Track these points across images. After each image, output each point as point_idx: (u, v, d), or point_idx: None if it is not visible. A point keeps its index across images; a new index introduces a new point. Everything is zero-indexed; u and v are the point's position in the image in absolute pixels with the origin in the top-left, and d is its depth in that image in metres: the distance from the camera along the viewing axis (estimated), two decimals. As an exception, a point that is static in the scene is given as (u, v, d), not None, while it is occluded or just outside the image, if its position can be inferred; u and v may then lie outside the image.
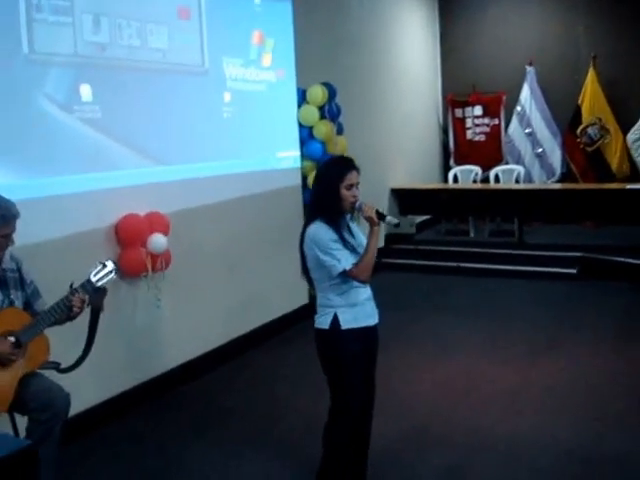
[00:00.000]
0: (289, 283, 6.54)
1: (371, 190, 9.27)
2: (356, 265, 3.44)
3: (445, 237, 11.05)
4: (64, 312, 3.52)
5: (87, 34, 4.93)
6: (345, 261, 3.43)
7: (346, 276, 3.45)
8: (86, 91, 4.92)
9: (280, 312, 7.00)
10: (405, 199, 10.55)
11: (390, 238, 10.16)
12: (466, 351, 6.33)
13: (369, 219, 3.47)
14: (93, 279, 3.60)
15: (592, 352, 6.15)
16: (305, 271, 3.65)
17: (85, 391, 4.84)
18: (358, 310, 3.56)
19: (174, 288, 5.62)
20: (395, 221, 3.52)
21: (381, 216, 3.46)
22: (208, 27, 6.02)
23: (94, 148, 5.01)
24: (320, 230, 3.47)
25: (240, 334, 6.50)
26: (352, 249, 3.50)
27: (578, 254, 9.08)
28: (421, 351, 6.40)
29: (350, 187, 3.47)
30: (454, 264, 9.51)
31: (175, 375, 5.73)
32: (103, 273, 3.65)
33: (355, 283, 3.53)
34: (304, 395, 5.35)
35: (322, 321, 3.57)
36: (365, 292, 3.62)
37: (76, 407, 4.64)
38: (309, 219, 3.58)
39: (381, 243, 9.83)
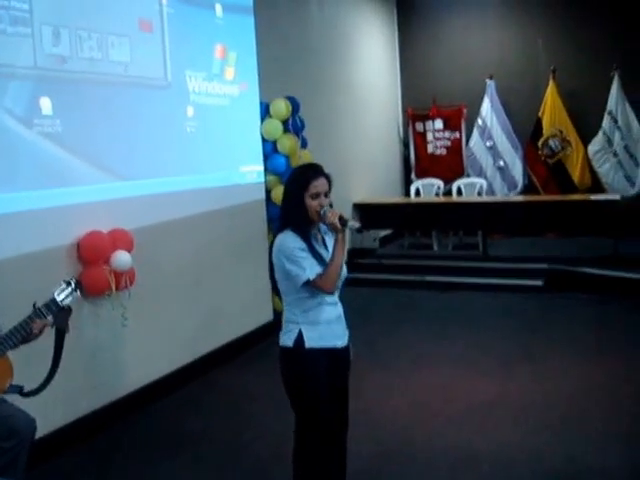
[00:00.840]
0: (254, 299, 6.46)
1: (334, 205, 9.22)
2: (320, 275, 3.26)
3: (409, 251, 10.99)
4: (24, 335, 3.36)
5: (47, 46, 4.78)
6: (310, 270, 3.26)
7: (311, 287, 3.28)
8: (46, 104, 4.77)
9: (246, 329, 6.87)
10: (368, 213, 10.46)
11: (353, 253, 10.06)
12: (438, 365, 6.25)
13: (332, 226, 3.29)
14: (57, 298, 3.46)
15: (566, 364, 6.09)
16: (274, 284, 3.47)
17: (50, 413, 4.69)
18: (324, 329, 3.37)
19: (139, 306, 5.46)
20: (357, 225, 3.36)
21: (344, 222, 3.28)
22: (170, 40, 5.91)
23: (55, 163, 4.85)
24: (287, 239, 3.31)
25: (206, 352, 6.36)
26: (321, 260, 3.31)
27: (544, 266, 9.07)
28: (391, 367, 6.30)
29: (316, 196, 3.30)
30: (419, 278, 9.43)
31: (141, 395, 5.57)
32: (67, 292, 3.50)
33: (324, 299, 3.37)
34: (273, 415, 5.19)
35: (286, 338, 3.39)
36: (334, 311, 3.45)
37: (40, 430, 4.49)
38: (278, 229, 3.42)
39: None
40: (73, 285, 3.54)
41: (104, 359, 5.27)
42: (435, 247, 10.94)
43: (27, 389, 3.60)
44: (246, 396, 5.78)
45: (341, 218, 3.27)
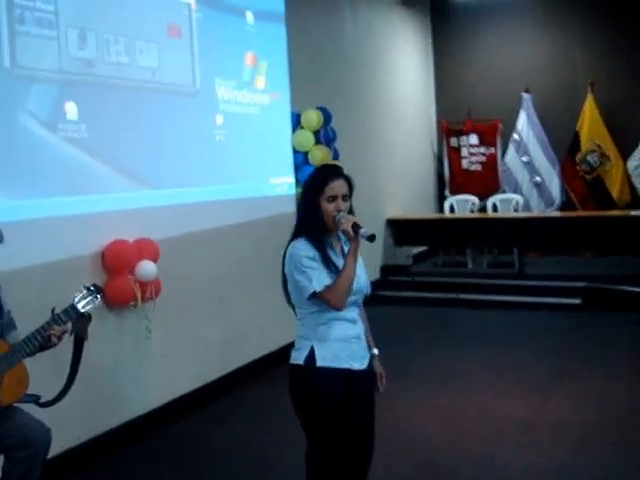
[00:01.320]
0: (282, 315, 6.21)
1: (366, 220, 9.03)
2: (328, 287, 2.98)
3: (442, 269, 10.74)
4: (41, 342, 3.20)
5: (73, 49, 4.66)
6: (317, 282, 2.97)
7: (318, 300, 3.00)
8: (71, 109, 4.64)
9: (274, 345, 6.66)
10: (401, 229, 10.26)
11: (386, 270, 9.90)
12: (471, 384, 6.02)
13: (345, 233, 3.02)
14: (77, 305, 3.30)
15: (603, 386, 5.82)
16: (288, 296, 3.20)
17: (69, 427, 4.52)
18: (340, 348, 3.07)
19: (164, 319, 5.30)
20: (368, 233, 2.96)
21: (357, 229, 2.97)
22: (200, 46, 5.78)
23: (80, 169, 4.72)
24: (298, 247, 3.05)
25: (233, 368, 6.18)
26: (336, 271, 3.02)
27: (581, 284, 8.79)
28: (424, 385, 6.08)
29: (332, 199, 3.02)
30: (453, 295, 9.20)
31: (165, 411, 5.39)
32: (88, 298, 3.34)
33: (341, 314, 3.06)
34: (300, 433, 4.95)
35: (297, 356, 3.11)
36: (352, 329, 3.13)
37: (59, 446, 4.38)
38: (292, 236, 3.15)
39: (375, 274, 9.56)
40: (94, 292, 3.37)
41: (127, 372, 5.11)
42: (469, 265, 10.69)
43: (44, 399, 3.43)
44: (273, 413, 5.56)
45: (355, 225, 2.98)
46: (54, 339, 3.20)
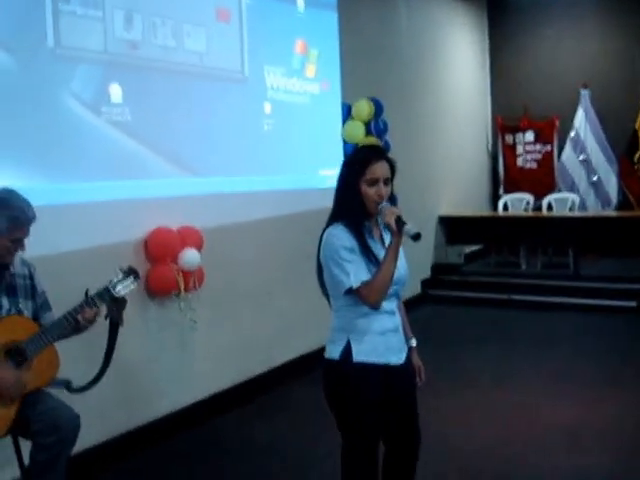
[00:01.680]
0: (330, 311, 6.06)
1: (418, 216, 8.85)
2: (366, 284, 2.76)
3: (495, 269, 10.44)
4: (73, 324, 3.07)
5: (118, 30, 4.56)
6: (355, 277, 2.74)
7: (354, 295, 2.79)
8: (116, 91, 4.54)
9: (321, 342, 6.46)
10: (453, 227, 10.00)
11: (437, 269, 9.67)
12: (521, 386, 5.78)
13: (388, 226, 2.77)
14: (112, 288, 3.16)
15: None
16: (322, 285, 2.98)
17: (103, 420, 4.45)
18: (378, 341, 2.85)
19: (207, 310, 5.18)
20: (414, 231, 2.71)
21: (402, 224, 2.72)
22: (249, 32, 5.64)
23: (123, 154, 4.61)
24: (335, 235, 2.81)
25: (279, 363, 6.04)
26: (376, 262, 2.80)
27: (638, 286, 8.47)
28: (471, 387, 5.83)
29: (374, 182, 2.78)
30: (505, 296, 8.94)
31: (208, 405, 5.26)
32: (124, 282, 3.20)
33: (381, 306, 2.84)
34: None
35: (332, 350, 2.89)
36: (391, 321, 2.92)
37: (91, 439, 4.29)
38: (328, 222, 2.91)
39: (426, 273, 9.34)
40: (131, 275, 3.23)
41: (168, 364, 4.98)
42: (523, 266, 10.37)
43: (76, 385, 3.30)
44: (319, 411, 5.34)
45: (399, 219, 2.73)
46: (84, 322, 3.06)
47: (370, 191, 2.78)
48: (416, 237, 2.71)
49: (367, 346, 2.83)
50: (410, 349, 3.09)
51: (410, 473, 3.08)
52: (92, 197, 4.40)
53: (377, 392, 2.87)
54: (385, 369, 2.87)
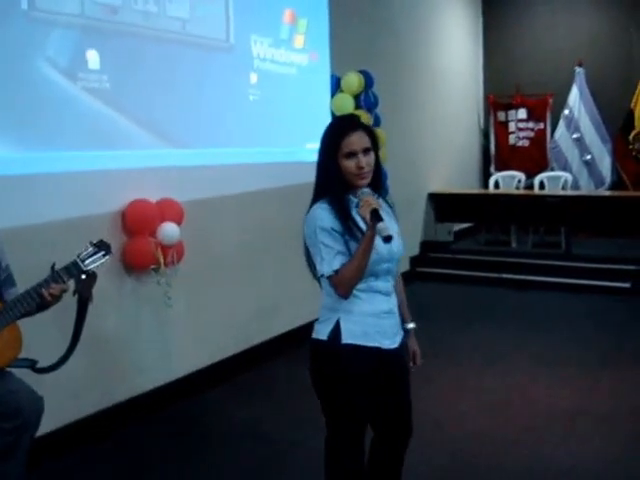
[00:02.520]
0: (314, 288, 5.90)
1: (408, 193, 8.71)
2: (337, 272, 2.57)
3: (485, 247, 10.32)
4: (38, 301, 2.90)
5: (96, -7, 4.35)
6: (328, 264, 2.57)
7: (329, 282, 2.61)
8: (93, 57, 4.34)
9: (305, 319, 6.32)
10: (443, 205, 9.85)
11: (426, 246, 9.54)
12: (513, 369, 5.64)
13: (362, 218, 2.57)
14: (81, 262, 2.99)
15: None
16: (311, 266, 2.79)
17: (79, 399, 4.33)
18: (370, 323, 2.66)
19: (187, 286, 5.03)
20: (385, 233, 2.48)
21: (377, 219, 2.50)
22: (235, -1, 5.44)
23: (101, 122, 4.42)
24: (316, 215, 2.63)
25: (260, 341, 5.89)
26: (361, 233, 2.60)
27: (632, 267, 8.36)
28: (463, 366, 5.73)
29: (351, 155, 2.60)
30: (495, 275, 8.82)
31: (186, 383, 5.11)
32: (94, 256, 3.04)
33: (375, 285, 2.68)
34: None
35: (320, 329, 2.70)
36: (386, 302, 2.73)
37: (67, 417, 4.23)
38: (312, 201, 2.73)
39: (415, 251, 9.21)
40: (102, 249, 3.06)
41: (145, 340, 4.83)
42: (513, 244, 10.26)
43: (43, 364, 3.14)
44: (301, 391, 5.19)
45: (374, 213, 2.51)
46: (49, 298, 2.89)
47: (349, 164, 2.61)
48: (386, 239, 2.51)
49: (357, 328, 2.65)
50: (407, 332, 2.93)
51: (398, 462, 2.94)
52: (67, 167, 4.22)
53: (366, 375, 2.69)
54: (376, 352, 2.69)
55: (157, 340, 4.92)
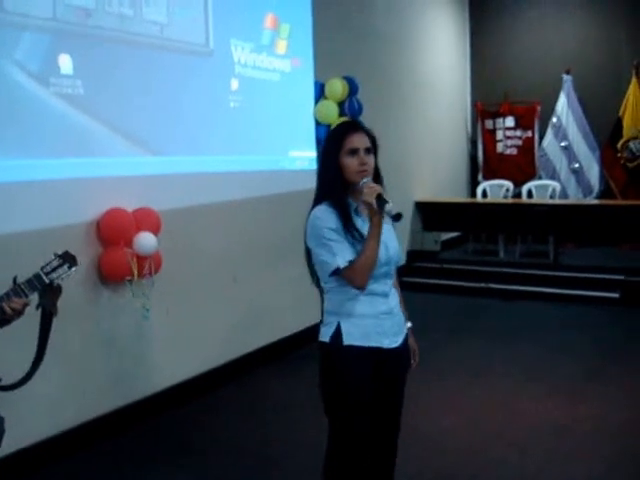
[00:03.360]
0: (299, 298, 5.77)
1: (394, 201, 8.54)
2: (351, 264, 2.63)
3: (472, 256, 10.21)
4: None
5: (68, -4, 4.22)
6: (342, 257, 2.63)
7: (341, 277, 2.67)
8: (66, 62, 4.21)
9: (288, 331, 6.20)
10: (430, 214, 9.75)
11: (413, 255, 9.42)
12: (500, 382, 5.52)
13: (367, 204, 2.63)
14: (45, 275, 2.84)
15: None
16: (312, 272, 2.88)
17: (58, 412, 4.23)
18: (370, 325, 2.74)
19: (166, 297, 4.88)
20: (395, 211, 2.58)
21: (383, 202, 2.58)
22: (214, 2, 5.30)
23: (74, 129, 4.29)
24: (318, 217, 2.70)
25: (242, 353, 5.73)
26: (362, 240, 2.67)
27: (620, 277, 8.28)
28: (447, 380, 5.59)
29: (353, 152, 2.69)
30: (482, 285, 8.71)
31: (165, 397, 4.98)
32: (58, 268, 2.88)
33: (372, 288, 2.73)
34: (310, 428, 4.42)
35: (324, 332, 2.79)
36: (385, 303, 2.80)
37: (47, 431, 4.16)
38: (313, 204, 2.79)
39: (402, 260, 9.06)
40: (67, 260, 2.91)
41: (122, 354, 4.68)
42: (501, 254, 10.15)
43: (6, 382, 2.98)
44: (283, 404, 5.13)
45: (380, 197, 2.59)
46: (10, 313, 2.74)
47: (352, 162, 2.69)
48: (397, 217, 2.60)
49: (358, 329, 2.73)
50: (407, 333, 2.98)
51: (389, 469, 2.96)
52: (39, 175, 4.08)
53: (368, 375, 2.76)
54: (377, 352, 2.77)
55: (134, 353, 4.78)
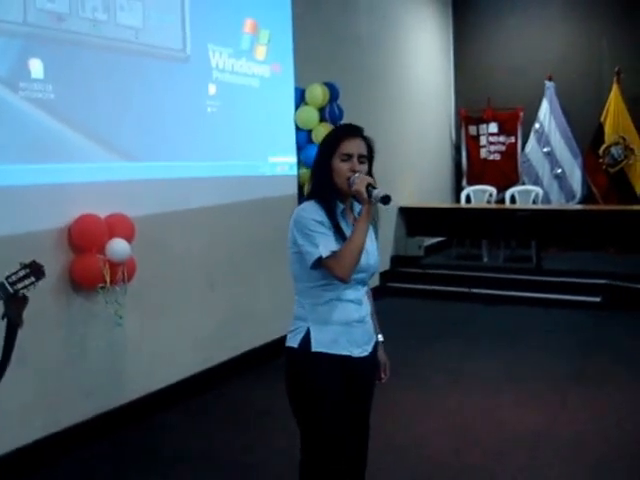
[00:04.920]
0: (278, 305, 5.72)
1: (377, 206, 8.49)
2: (335, 253, 2.56)
3: (456, 261, 10.20)
4: None
5: (40, 1, 4.15)
6: (324, 246, 2.57)
7: (323, 267, 2.59)
8: (36, 67, 4.15)
9: (267, 338, 6.13)
10: (414, 219, 9.73)
11: (396, 260, 9.39)
12: (480, 387, 5.49)
13: (358, 194, 2.59)
14: (9, 284, 2.78)
15: (626, 391, 5.31)
16: (293, 264, 2.79)
17: (28, 421, 4.16)
18: (340, 332, 2.68)
19: (140, 304, 4.83)
20: (382, 193, 2.55)
21: (371, 189, 2.58)
22: (191, 7, 5.26)
23: (45, 134, 4.22)
24: (304, 209, 2.67)
25: (219, 361, 5.66)
26: (344, 240, 2.61)
27: (602, 281, 8.28)
28: (427, 387, 5.55)
29: (346, 158, 2.65)
30: (465, 289, 8.68)
31: (139, 406, 4.90)
32: (24, 278, 2.82)
33: (344, 293, 2.67)
34: (288, 436, 4.39)
35: (291, 338, 2.73)
36: (357, 311, 2.74)
37: (17, 441, 4.09)
38: (303, 202, 2.78)
39: (385, 265, 9.06)
40: (32, 270, 2.85)
41: (96, 363, 4.61)
42: (485, 258, 10.16)
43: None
44: (261, 412, 5.07)
45: (369, 186, 2.58)
46: None
47: (343, 167, 2.66)
48: (385, 200, 2.56)
49: (327, 336, 2.67)
50: (376, 343, 2.90)
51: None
52: (8, 181, 4.00)
53: (337, 385, 2.69)
54: (346, 361, 2.70)
55: (107, 362, 4.70)
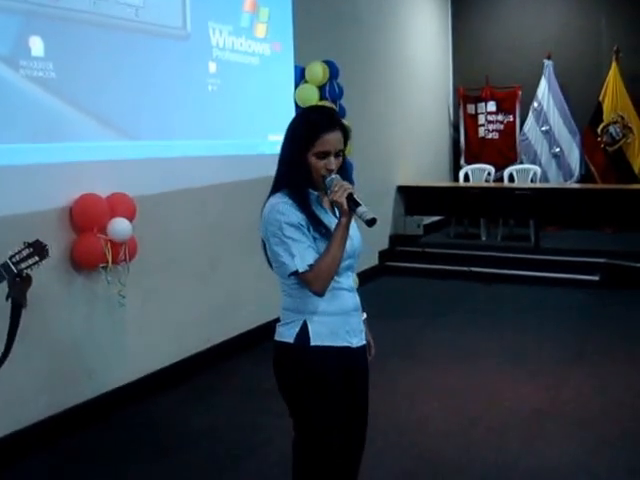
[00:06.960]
0: (277, 285, 5.72)
1: (376, 186, 8.54)
2: (312, 267, 2.39)
3: (455, 240, 10.20)
4: None
5: (40, -23, 4.12)
6: (301, 259, 2.39)
7: (297, 278, 2.44)
8: (37, 44, 4.11)
9: (266, 317, 6.11)
10: (412, 198, 9.73)
11: (395, 239, 9.39)
12: (480, 365, 5.50)
13: (337, 204, 2.40)
14: (13, 264, 2.77)
15: (625, 367, 5.35)
16: (270, 262, 2.61)
17: (31, 402, 4.16)
18: (338, 322, 2.53)
19: (142, 284, 4.82)
20: (370, 215, 2.34)
21: (354, 203, 2.37)
22: (191, -16, 5.22)
23: (46, 113, 4.19)
24: (278, 210, 2.43)
25: (219, 341, 5.68)
26: (326, 235, 2.45)
27: (600, 260, 8.29)
28: (427, 366, 5.56)
29: (324, 155, 2.43)
30: (465, 268, 8.68)
31: (141, 386, 4.91)
32: (28, 257, 2.81)
33: (340, 282, 2.53)
34: (288, 417, 4.46)
35: (285, 332, 2.54)
36: (352, 299, 2.61)
37: (19, 422, 4.08)
38: (271, 192, 2.54)
39: (384, 244, 9.06)
40: (36, 249, 2.83)
41: (98, 342, 4.61)
42: (483, 237, 10.16)
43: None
44: (261, 392, 5.05)
45: (350, 197, 2.37)
46: None
47: (319, 164, 2.44)
48: (371, 222, 2.35)
49: (326, 328, 2.51)
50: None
51: (356, 463, 2.76)
52: (9, 161, 3.99)
53: (339, 378, 2.56)
54: (346, 352, 2.57)
55: (109, 341, 4.70)
